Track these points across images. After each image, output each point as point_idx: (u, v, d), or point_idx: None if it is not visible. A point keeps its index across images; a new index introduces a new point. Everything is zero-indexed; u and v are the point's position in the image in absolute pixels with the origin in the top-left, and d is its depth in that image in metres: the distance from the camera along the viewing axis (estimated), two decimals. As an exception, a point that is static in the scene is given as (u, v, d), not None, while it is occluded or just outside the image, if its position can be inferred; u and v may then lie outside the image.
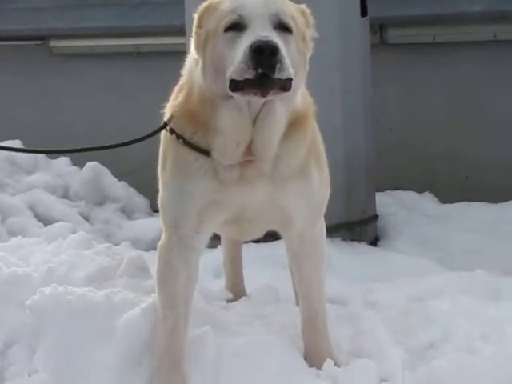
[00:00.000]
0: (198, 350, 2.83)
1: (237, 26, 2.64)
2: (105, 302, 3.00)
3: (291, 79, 2.56)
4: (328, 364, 2.89)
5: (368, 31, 4.61)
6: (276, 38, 2.58)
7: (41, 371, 2.91)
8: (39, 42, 6.04)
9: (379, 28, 4.90)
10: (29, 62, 6.03)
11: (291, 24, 2.67)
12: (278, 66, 2.51)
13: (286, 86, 2.55)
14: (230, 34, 2.64)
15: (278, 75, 2.51)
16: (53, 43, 6.00)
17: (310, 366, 2.95)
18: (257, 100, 2.62)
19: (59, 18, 5.99)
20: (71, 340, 2.92)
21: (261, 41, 2.52)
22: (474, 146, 4.84)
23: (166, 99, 2.87)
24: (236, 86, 2.56)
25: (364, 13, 4.52)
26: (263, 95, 2.54)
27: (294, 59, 2.63)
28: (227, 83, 2.58)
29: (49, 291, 3.06)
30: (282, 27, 2.64)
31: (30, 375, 2.94)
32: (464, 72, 4.85)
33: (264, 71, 2.49)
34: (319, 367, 2.92)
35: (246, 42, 2.57)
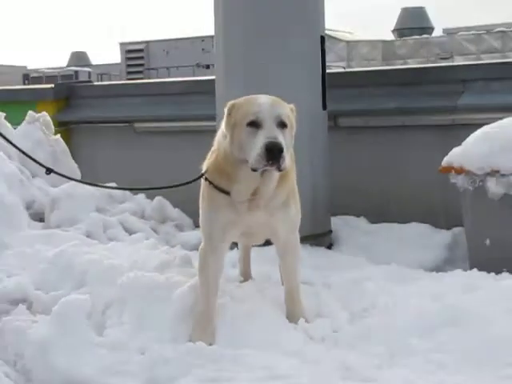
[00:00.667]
0: (222, 312, 3.69)
1: (254, 124, 3.41)
2: (166, 282, 3.89)
3: (286, 166, 3.36)
4: (301, 321, 3.76)
5: (326, 119, 5.57)
6: (279, 134, 3.36)
7: (126, 323, 3.74)
8: (127, 124, 7.31)
9: (333, 117, 5.90)
10: (119, 138, 7.40)
11: (287, 122, 3.46)
12: (281, 160, 3.31)
13: (282, 169, 3.38)
14: (250, 129, 3.41)
15: (282, 165, 3.31)
16: (136, 125, 7.28)
17: (290, 322, 3.78)
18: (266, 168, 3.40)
19: (140, 108, 7.26)
20: (145, 305, 3.78)
21: (271, 142, 3.30)
22: (389, 192, 5.90)
23: (203, 159, 3.79)
24: (254, 169, 3.39)
25: (324, 107, 5.48)
26: (271, 166, 3.33)
27: (287, 142, 3.41)
28: (250, 166, 3.37)
29: (132, 275, 3.97)
30: (282, 125, 3.44)
31: (119, 325, 3.75)
32: (385, 145, 5.99)
33: (272, 163, 3.30)
34: (296, 323, 3.76)
35: (261, 138, 3.34)
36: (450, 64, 7.87)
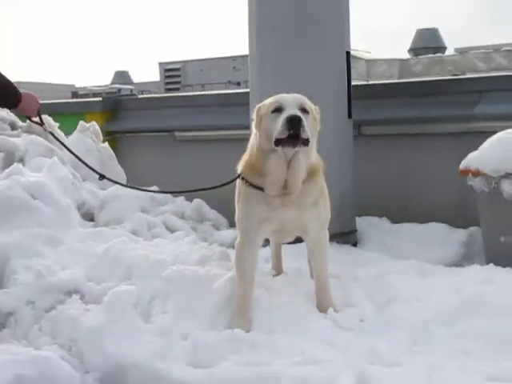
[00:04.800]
0: (257, 302, 3.69)
1: (278, 110, 3.44)
2: (206, 275, 3.91)
3: (308, 139, 3.35)
4: (330, 311, 3.73)
5: (352, 126, 5.52)
6: (300, 114, 3.38)
7: (170, 312, 3.77)
8: (168, 133, 7.33)
9: (357, 126, 5.85)
10: (161, 146, 7.42)
11: (308, 109, 3.48)
12: (301, 129, 3.31)
13: (306, 142, 3.35)
14: (273, 114, 3.45)
15: (302, 135, 3.30)
16: (177, 133, 7.28)
17: (320, 312, 3.75)
18: (289, 150, 3.39)
19: (180, 119, 7.25)
20: (187, 295, 3.80)
21: (292, 114, 3.33)
22: (409, 194, 5.85)
23: (238, 162, 3.81)
24: (278, 142, 3.36)
25: (350, 116, 5.43)
26: (294, 146, 3.35)
27: (310, 127, 3.41)
28: (273, 141, 3.37)
29: (175, 268, 3.99)
30: (304, 110, 3.44)
31: (164, 314, 3.80)
32: (405, 151, 5.92)
33: (293, 132, 3.29)
34: (325, 313, 3.72)
35: (283, 116, 3.37)
36: (466, 76, 7.78)
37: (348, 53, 5.43)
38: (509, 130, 4.58)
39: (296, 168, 3.50)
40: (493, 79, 5.99)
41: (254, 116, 3.61)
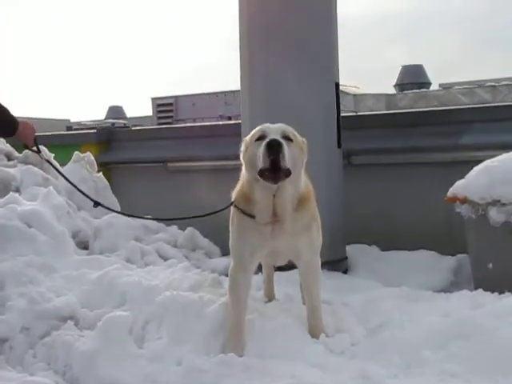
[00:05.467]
0: (250, 327, 3.67)
1: (261, 138, 3.44)
2: (199, 300, 3.89)
3: (290, 170, 3.32)
4: (322, 336, 3.71)
5: (341, 156, 5.57)
6: (282, 140, 3.35)
7: (164, 337, 3.76)
8: (160, 164, 7.43)
9: (347, 155, 5.89)
10: (154, 176, 7.49)
11: (292, 137, 3.47)
12: (281, 155, 3.26)
13: (287, 173, 3.34)
14: (257, 143, 3.45)
15: (282, 163, 3.26)
16: (169, 164, 7.37)
17: (312, 337, 3.70)
18: (271, 185, 3.39)
19: (172, 150, 7.38)
20: (180, 320, 3.76)
21: (271, 139, 3.34)
22: (398, 222, 5.90)
23: (231, 192, 3.79)
24: (261, 172, 3.34)
25: (339, 145, 5.48)
26: (275, 182, 3.36)
27: (293, 156, 3.39)
28: (257, 172, 3.36)
29: (168, 294, 3.99)
30: (287, 138, 3.43)
31: (158, 339, 3.77)
32: (393, 180, 5.98)
33: (273, 157, 3.25)
34: (317, 338, 3.69)
35: (264, 142, 3.36)
36: (452, 107, 7.86)
37: (337, 84, 5.49)
38: (495, 159, 4.62)
39: (282, 197, 3.49)
40: (477, 110, 6.08)
41: (242, 148, 3.63)
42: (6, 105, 3.85)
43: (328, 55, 5.44)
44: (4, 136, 3.94)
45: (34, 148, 4.17)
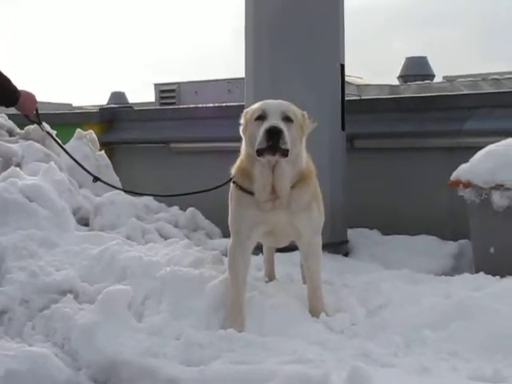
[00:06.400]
0: (250, 304, 3.68)
1: (261, 117, 3.43)
2: (199, 276, 3.90)
3: (288, 150, 3.34)
4: (322, 315, 3.70)
5: (345, 138, 5.56)
6: (282, 124, 3.35)
7: (163, 312, 3.74)
8: (163, 145, 7.36)
9: (350, 139, 5.89)
10: (156, 157, 7.44)
11: (292, 117, 3.44)
12: (280, 141, 3.29)
13: (285, 153, 3.35)
14: (257, 122, 3.44)
15: (281, 145, 3.30)
16: (172, 145, 7.32)
17: (312, 316, 3.71)
18: (270, 158, 3.38)
19: (175, 131, 7.31)
20: (180, 296, 3.79)
21: (271, 126, 3.32)
22: (400, 207, 5.85)
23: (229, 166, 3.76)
24: (259, 152, 3.36)
25: (343, 128, 5.47)
26: (274, 155, 3.34)
27: (293, 137, 3.40)
28: (255, 151, 3.37)
29: (169, 269, 3.99)
30: (287, 119, 3.41)
31: (157, 314, 3.75)
32: (396, 165, 5.93)
33: (272, 144, 3.29)
34: (317, 317, 3.69)
35: (264, 126, 3.35)
36: (457, 93, 7.80)
37: (342, 66, 5.44)
38: (499, 143, 4.59)
39: (280, 174, 3.49)
40: (482, 96, 6.03)
41: (242, 121, 3.62)
42: (8, 75, 3.81)
43: (334, 37, 5.40)
44: (5, 106, 3.89)
45: (35, 119, 4.13)
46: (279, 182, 3.50)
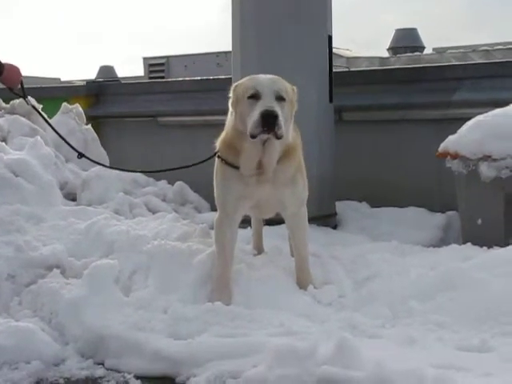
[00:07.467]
0: (237, 277, 3.69)
1: (254, 96, 3.37)
2: (187, 250, 3.86)
3: (282, 134, 3.31)
4: (310, 287, 3.71)
5: (333, 110, 5.48)
6: (276, 106, 3.30)
7: (151, 286, 3.72)
8: (151, 118, 7.30)
9: (338, 111, 5.79)
10: (144, 131, 7.37)
11: (285, 96, 3.41)
12: (276, 127, 3.26)
13: (278, 136, 3.33)
14: (250, 101, 3.38)
15: (276, 131, 3.28)
16: (159, 119, 7.25)
17: (300, 288, 3.72)
18: (263, 137, 3.36)
19: (163, 104, 7.23)
20: (168, 270, 3.76)
21: (266, 110, 3.27)
22: (388, 179, 5.77)
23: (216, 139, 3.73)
24: (252, 135, 3.35)
25: (331, 100, 5.39)
26: (268, 133, 3.30)
27: (285, 115, 3.37)
28: (248, 134, 3.33)
29: (156, 243, 3.95)
30: (280, 98, 3.39)
31: (144, 288, 3.71)
32: (385, 137, 5.88)
33: (268, 128, 3.26)
34: (305, 289, 3.70)
35: (259, 108, 3.29)
36: (446, 64, 7.72)
37: (330, 37, 5.38)
38: (487, 114, 4.56)
39: (271, 151, 3.48)
40: (469, 67, 5.97)
41: (231, 94, 3.56)
42: None
43: (321, 7, 5.32)
44: None
45: (20, 92, 4.06)
46: (268, 158, 3.49)
